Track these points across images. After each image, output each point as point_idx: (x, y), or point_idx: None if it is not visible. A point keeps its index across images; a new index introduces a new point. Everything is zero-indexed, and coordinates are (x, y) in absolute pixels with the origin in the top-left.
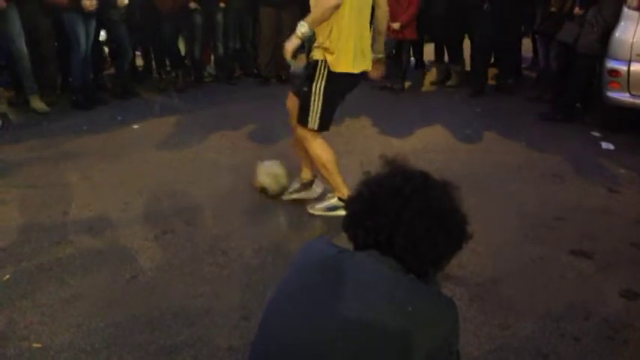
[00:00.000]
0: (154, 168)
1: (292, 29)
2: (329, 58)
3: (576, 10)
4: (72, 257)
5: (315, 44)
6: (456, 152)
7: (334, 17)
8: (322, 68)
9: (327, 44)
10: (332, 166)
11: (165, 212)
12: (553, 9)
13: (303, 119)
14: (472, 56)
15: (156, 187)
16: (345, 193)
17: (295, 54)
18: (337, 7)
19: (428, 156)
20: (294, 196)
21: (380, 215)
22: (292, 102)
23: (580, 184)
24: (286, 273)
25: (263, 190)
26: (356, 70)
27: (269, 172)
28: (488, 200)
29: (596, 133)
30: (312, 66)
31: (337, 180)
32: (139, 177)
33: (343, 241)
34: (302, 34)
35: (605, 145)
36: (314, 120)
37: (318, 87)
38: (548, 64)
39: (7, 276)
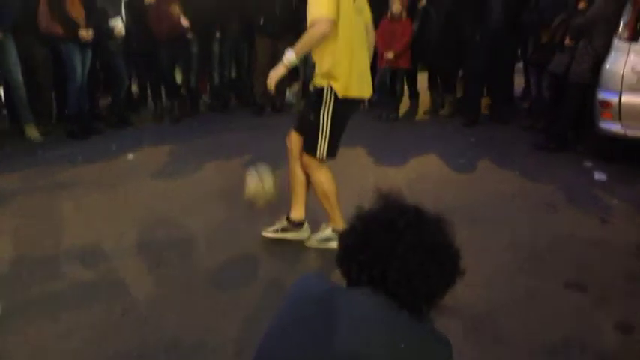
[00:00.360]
0: (149, 198)
1: None
2: (335, 84)
3: (567, 41)
4: (65, 290)
5: (317, 71)
6: (449, 182)
7: (333, 43)
8: (329, 95)
9: (330, 71)
10: (333, 197)
11: (160, 243)
12: (544, 40)
13: (310, 148)
14: (465, 85)
15: (150, 218)
16: (341, 225)
17: (290, 83)
18: (325, 35)
19: (422, 186)
20: (279, 235)
21: (373, 249)
22: (293, 140)
23: (573, 214)
24: (280, 306)
25: (250, 201)
26: (360, 94)
27: (254, 183)
28: (482, 230)
29: (589, 163)
30: (316, 93)
31: (336, 212)
32: (133, 207)
33: (338, 277)
34: (288, 61)
35: (597, 175)
36: (323, 148)
37: (326, 114)
38: (540, 94)
39: None
